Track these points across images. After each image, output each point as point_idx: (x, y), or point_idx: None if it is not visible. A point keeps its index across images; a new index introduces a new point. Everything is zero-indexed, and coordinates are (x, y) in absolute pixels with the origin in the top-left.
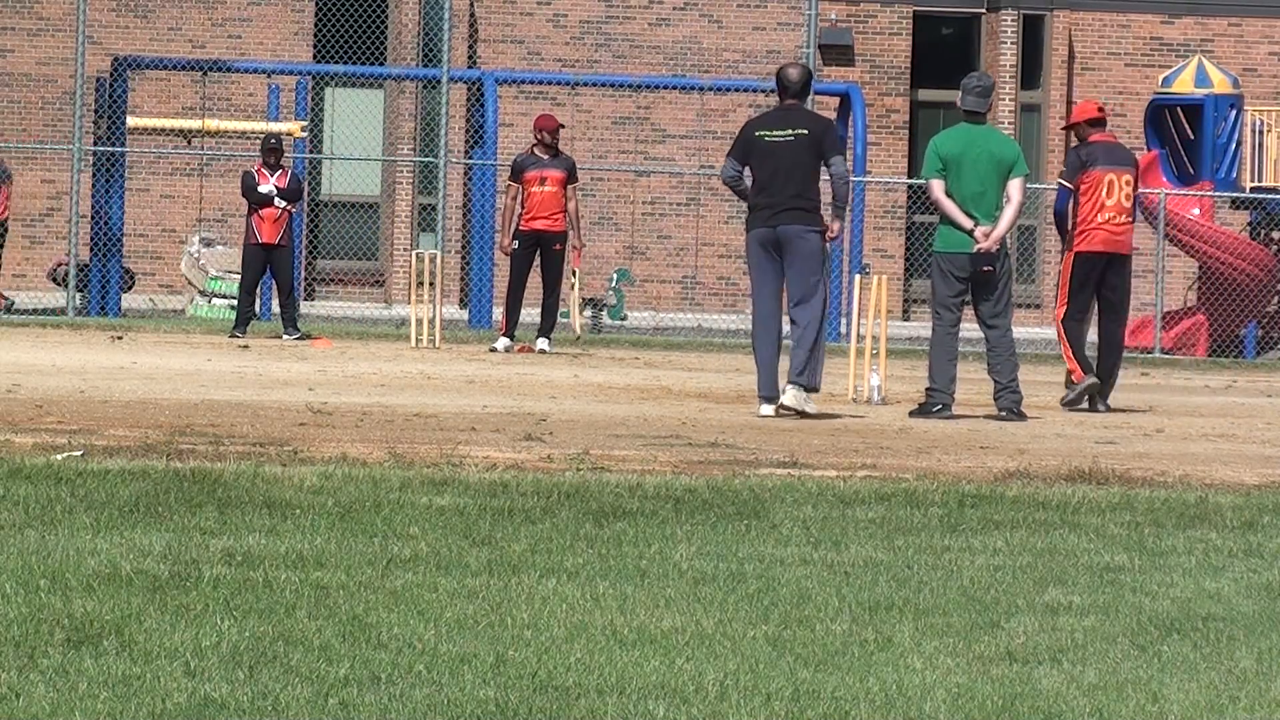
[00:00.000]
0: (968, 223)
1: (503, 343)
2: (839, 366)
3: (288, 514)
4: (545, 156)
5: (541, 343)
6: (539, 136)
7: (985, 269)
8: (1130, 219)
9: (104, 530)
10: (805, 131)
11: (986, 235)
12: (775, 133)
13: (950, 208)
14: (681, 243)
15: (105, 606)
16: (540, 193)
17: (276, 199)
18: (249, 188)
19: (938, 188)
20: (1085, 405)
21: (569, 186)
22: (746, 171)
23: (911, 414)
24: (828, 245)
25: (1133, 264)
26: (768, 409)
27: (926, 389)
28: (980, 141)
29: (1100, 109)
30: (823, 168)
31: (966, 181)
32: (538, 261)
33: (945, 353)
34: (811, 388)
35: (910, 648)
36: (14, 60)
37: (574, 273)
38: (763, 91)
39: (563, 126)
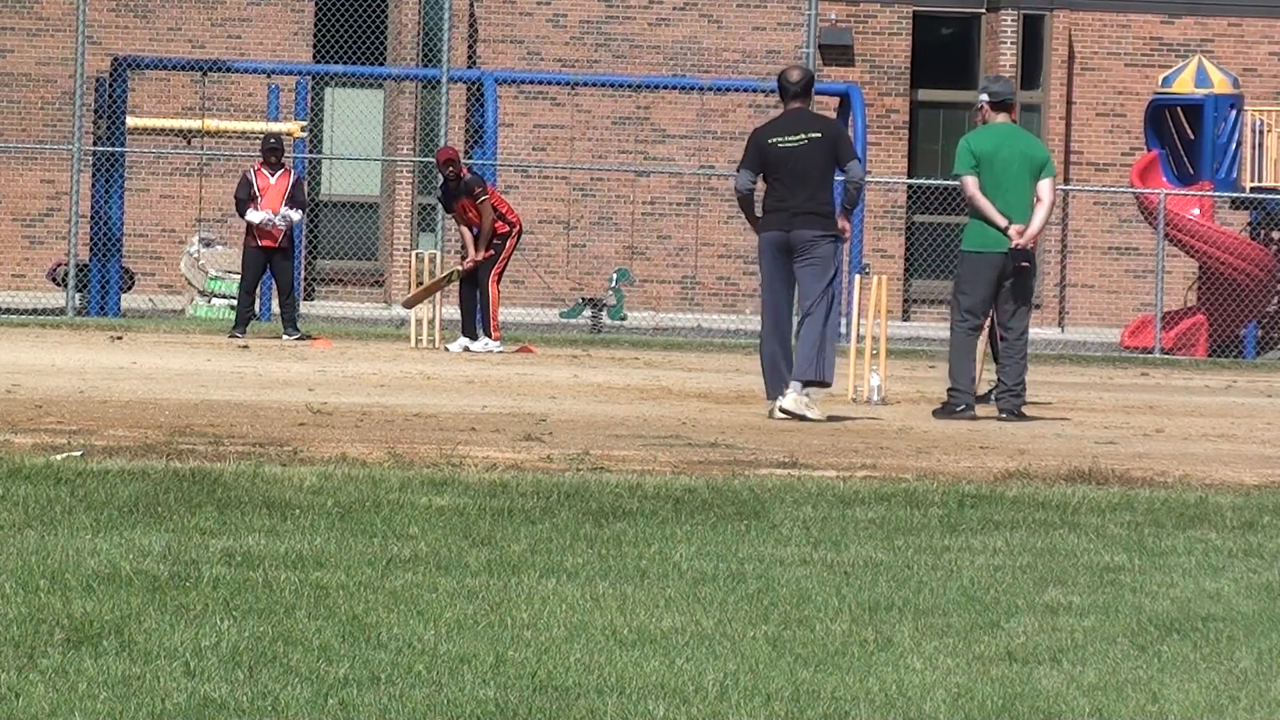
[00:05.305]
0: (1002, 220)
1: (460, 342)
2: (839, 366)
3: (287, 514)
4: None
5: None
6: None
7: (1023, 264)
8: None
9: (104, 530)
10: (819, 135)
11: (1020, 233)
12: (788, 138)
13: (985, 204)
14: (681, 243)
15: (105, 606)
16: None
17: (276, 222)
18: (241, 200)
19: (972, 184)
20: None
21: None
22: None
23: (935, 414)
24: (840, 252)
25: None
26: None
27: (949, 389)
28: (1011, 141)
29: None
30: (837, 170)
31: (999, 179)
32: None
33: (966, 354)
34: (821, 382)
35: (910, 648)
36: (14, 60)
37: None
38: (762, 92)
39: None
